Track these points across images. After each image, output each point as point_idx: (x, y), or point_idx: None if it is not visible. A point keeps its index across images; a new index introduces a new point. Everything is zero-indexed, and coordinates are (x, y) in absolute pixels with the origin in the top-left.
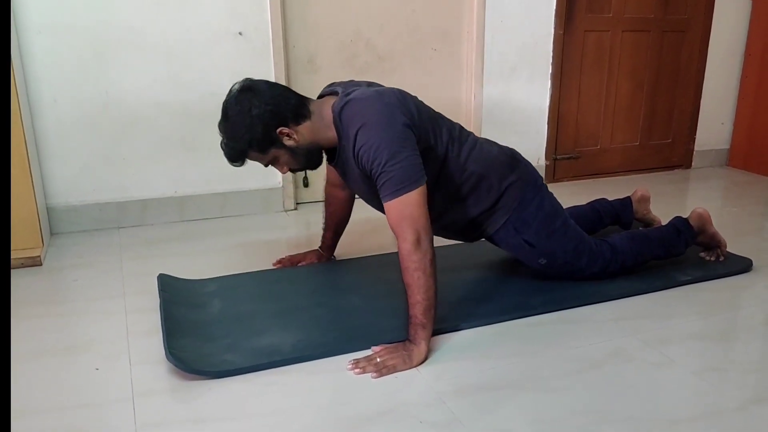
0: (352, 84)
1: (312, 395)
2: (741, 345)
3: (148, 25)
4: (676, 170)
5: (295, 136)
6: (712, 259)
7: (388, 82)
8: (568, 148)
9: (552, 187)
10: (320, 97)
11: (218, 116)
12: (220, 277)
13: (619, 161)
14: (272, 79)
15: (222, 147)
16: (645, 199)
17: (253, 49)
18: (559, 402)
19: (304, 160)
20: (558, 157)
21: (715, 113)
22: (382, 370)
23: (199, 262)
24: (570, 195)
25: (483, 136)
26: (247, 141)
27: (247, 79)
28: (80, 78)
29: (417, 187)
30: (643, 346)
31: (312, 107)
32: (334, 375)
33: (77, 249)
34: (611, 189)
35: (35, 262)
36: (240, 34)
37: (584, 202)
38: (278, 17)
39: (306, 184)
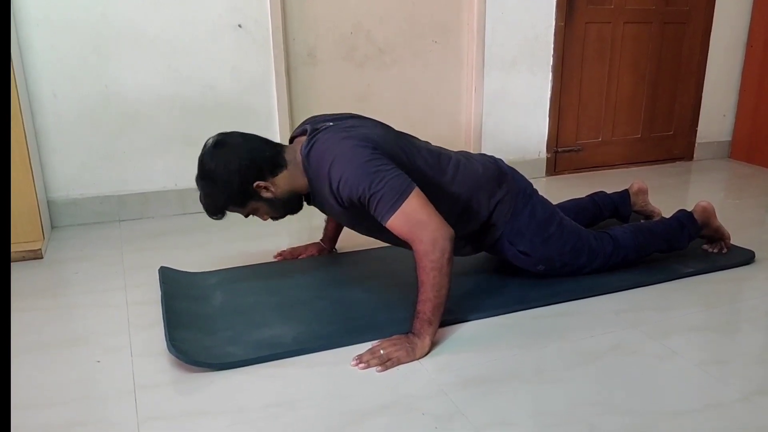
0: (321, 120)
1: (314, 387)
2: (743, 337)
3: (147, 18)
4: (677, 162)
5: (272, 188)
6: (716, 251)
7: (388, 74)
8: (570, 141)
9: (553, 180)
10: (294, 138)
11: (218, 109)
12: (221, 269)
13: (621, 154)
14: (272, 73)
15: (201, 201)
16: (642, 191)
17: (253, 42)
18: (561, 394)
19: (283, 209)
20: (559, 149)
21: (716, 105)
22: (386, 363)
23: (200, 255)
24: (571, 188)
25: (484, 130)
26: (225, 197)
27: (220, 133)
28: (80, 72)
29: (411, 192)
30: (645, 338)
31: (287, 155)
32: (335, 367)
33: (78, 242)
34: (613, 182)
35: (36, 255)
36: (240, 26)
37: (583, 196)
38: (278, 10)
39: None
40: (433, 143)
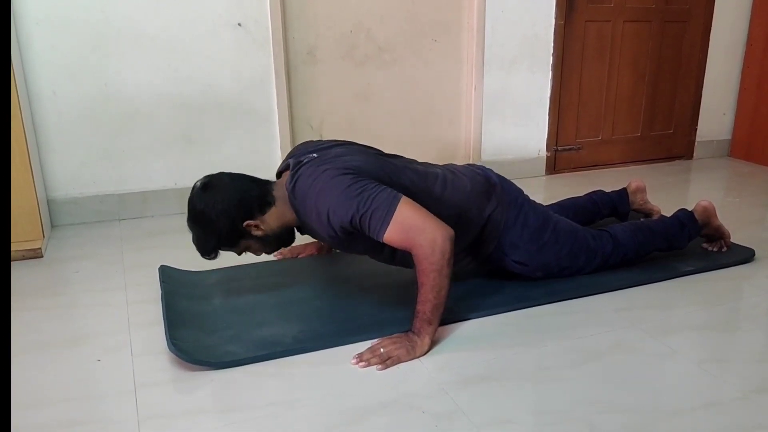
0: (305, 151)
1: (314, 386)
2: (743, 335)
3: (147, 17)
4: (677, 161)
5: (262, 226)
6: (715, 249)
7: (389, 73)
8: (570, 140)
9: (553, 179)
10: (280, 172)
11: (218, 108)
12: (221, 268)
13: (621, 152)
14: (272, 72)
15: (193, 243)
16: (640, 190)
17: (253, 40)
18: (562, 392)
19: (275, 243)
20: (559, 148)
21: (716, 104)
22: (386, 362)
23: None
24: (571, 187)
25: (484, 128)
26: (216, 239)
27: (207, 175)
28: (79, 71)
29: (399, 201)
30: (646, 337)
31: (275, 192)
32: (335, 366)
33: (78, 241)
34: (613, 181)
35: (36, 254)
36: (239, 25)
37: (582, 194)
38: (278, 8)
39: None
40: (434, 143)
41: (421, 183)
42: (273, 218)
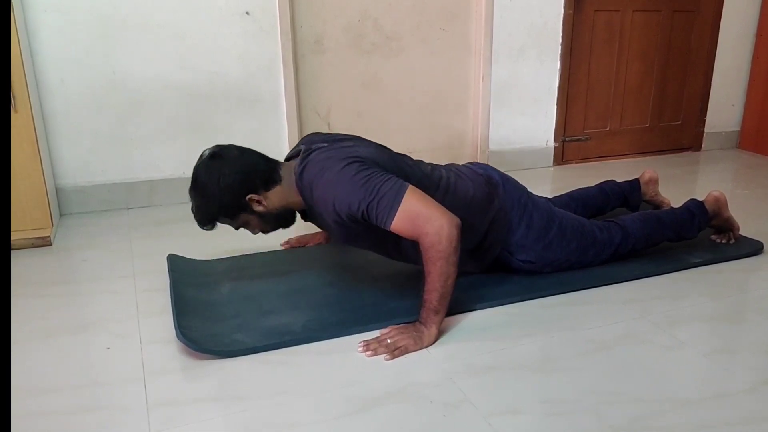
0: (316, 140)
1: (322, 375)
2: (751, 327)
3: (155, 5)
4: (686, 153)
5: (264, 202)
6: (724, 241)
7: (396, 62)
8: (578, 130)
9: (560, 170)
10: (290, 157)
11: (225, 96)
12: (229, 257)
13: (629, 143)
14: (280, 60)
15: (192, 211)
16: (653, 181)
17: (260, 29)
18: (569, 383)
19: (274, 223)
20: (567, 139)
21: (725, 95)
22: (394, 352)
23: (208, 243)
24: (579, 177)
25: (491, 118)
26: (216, 208)
27: (217, 145)
28: (87, 58)
29: (406, 190)
30: (654, 328)
31: (282, 171)
32: (344, 355)
33: (86, 229)
34: (620, 171)
35: (45, 243)
36: (247, 13)
37: (592, 185)
38: None
39: None
40: (441, 132)
41: (428, 185)
42: (276, 196)
